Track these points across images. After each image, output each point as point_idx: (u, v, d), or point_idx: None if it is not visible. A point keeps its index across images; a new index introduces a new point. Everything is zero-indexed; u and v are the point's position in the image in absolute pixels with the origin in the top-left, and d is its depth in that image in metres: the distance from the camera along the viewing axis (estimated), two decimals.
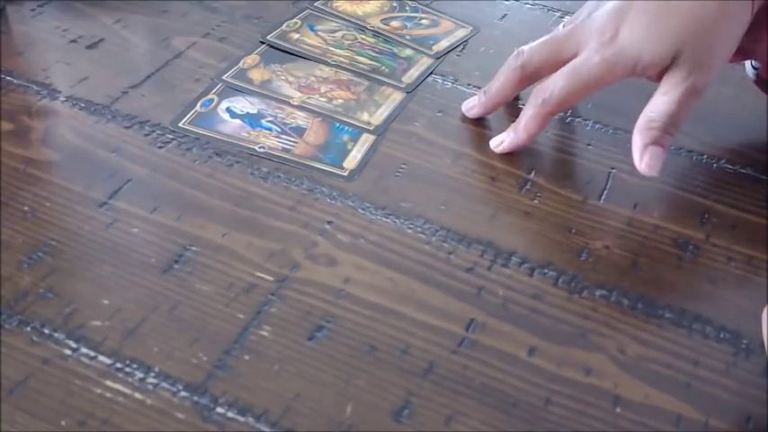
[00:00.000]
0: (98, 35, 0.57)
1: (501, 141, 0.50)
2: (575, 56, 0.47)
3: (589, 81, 0.47)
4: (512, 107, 0.54)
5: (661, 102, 0.46)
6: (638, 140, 0.46)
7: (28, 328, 0.38)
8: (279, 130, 0.51)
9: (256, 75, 0.55)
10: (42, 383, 0.36)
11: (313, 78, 0.55)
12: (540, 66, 0.49)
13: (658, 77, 0.47)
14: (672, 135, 0.46)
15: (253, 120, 0.51)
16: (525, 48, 0.49)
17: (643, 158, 0.46)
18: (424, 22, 0.62)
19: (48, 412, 0.35)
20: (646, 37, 0.45)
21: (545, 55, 0.49)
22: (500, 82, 0.50)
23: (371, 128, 0.51)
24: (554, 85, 0.47)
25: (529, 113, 0.48)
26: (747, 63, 0.53)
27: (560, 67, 0.48)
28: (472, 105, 0.52)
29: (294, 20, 0.60)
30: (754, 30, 0.47)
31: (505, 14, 0.64)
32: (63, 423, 0.35)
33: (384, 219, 0.45)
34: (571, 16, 0.54)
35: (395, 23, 0.61)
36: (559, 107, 0.48)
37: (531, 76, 0.50)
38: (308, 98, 0.53)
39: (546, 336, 0.40)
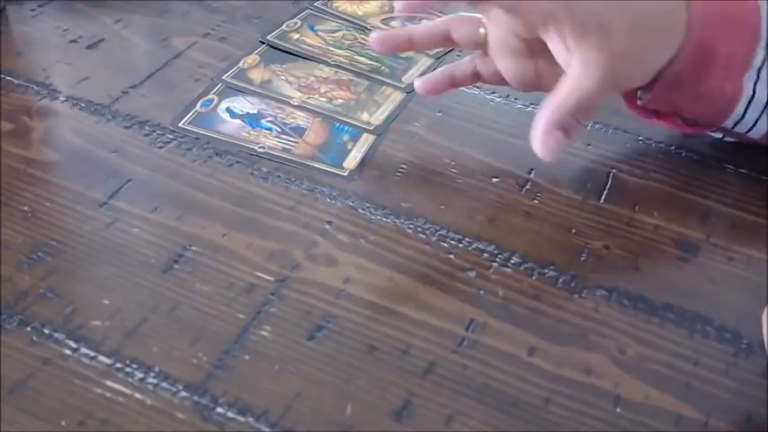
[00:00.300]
0: (98, 35, 0.57)
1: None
2: None
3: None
4: (515, 110, 0.54)
5: (571, 90, 0.42)
6: (541, 122, 0.42)
7: (28, 328, 0.38)
8: (279, 130, 0.51)
9: (256, 75, 0.55)
10: (42, 383, 0.36)
11: (313, 78, 0.55)
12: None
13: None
14: (581, 125, 0.43)
15: (253, 120, 0.51)
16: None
17: (545, 142, 0.42)
18: (423, 22, 0.62)
19: (48, 412, 0.35)
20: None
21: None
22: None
23: (371, 128, 0.51)
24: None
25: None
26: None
27: None
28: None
29: (294, 20, 0.60)
30: (692, 66, 0.44)
31: None
32: (63, 423, 0.35)
33: (384, 219, 0.45)
34: None
35: (395, 23, 0.61)
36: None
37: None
38: (308, 98, 0.53)
39: (546, 336, 0.40)
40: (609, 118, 0.53)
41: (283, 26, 0.60)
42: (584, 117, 0.43)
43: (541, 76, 0.47)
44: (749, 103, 0.46)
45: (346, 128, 0.51)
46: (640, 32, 0.42)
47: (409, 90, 0.55)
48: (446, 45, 0.52)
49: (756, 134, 0.48)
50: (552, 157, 0.42)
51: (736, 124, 0.47)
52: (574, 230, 0.46)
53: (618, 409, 0.37)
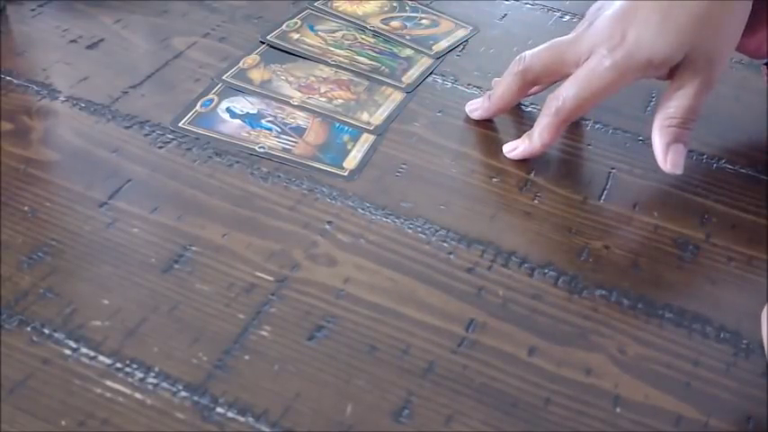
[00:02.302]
0: (98, 35, 0.57)
1: (515, 148, 0.50)
2: (578, 63, 0.47)
3: (601, 86, 0.46)
4: (516, 109, 0.54)
5: (677, 98, 0.46)
6: (658, 140, 0.46)
7: (28, 328, 0.38)
8: (279, 130, 0.51)
9: (256, 75, 0.55)
10: (42, 383, 0.36)
11: (313, 78, 0.55)
12: (542, 72, 0.49)
13: (669, 76, 0.47)
14: (690, 130, 0.46)
15: (253, 120, 0.51)
16: (527, 53, 0.49)
17: (667, 158, 0.46)
18: (423, 22, 0.62)
19: (48, 412, 0.35)
20: (656, 36, 0.45)
21: (546, 61, 0.49)
22: (502, 88, 0.50)
23: (371, 128, 0.51)
24: (566, 93, 0.47)
25: (543, 123, 0.48)
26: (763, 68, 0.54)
27: (562, 75, 0.48)
28: (476, 108, 0.52)
29: (294, 20, 0.60)
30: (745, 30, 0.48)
31: (505, 14, 0.64)
32: (63, 423, 0.35)
33: (384, 219, 0.45)
34: (577, 22, 0.54)
35: (395, 23, 0.61)
36: (573, 115, 0.48)
37: (533, 82, 0.50)
38: (308, 98, 0.53)
39: (546, 336, 0.40)
40: (609, 118, 0.53)
41: (283, 26, 0.60)
42: (694, 123, 0.46)
43: None
44: None
45: (346, 128, 0.51)
46: (723, 42, 0.47)
47: (409, 90, 0.55)
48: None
49: None
50: (678, 170, 0.46)
51: None
52: (574, 230, 0.46)
53: (618, 409, 0.37)
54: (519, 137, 0.52)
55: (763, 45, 0.49)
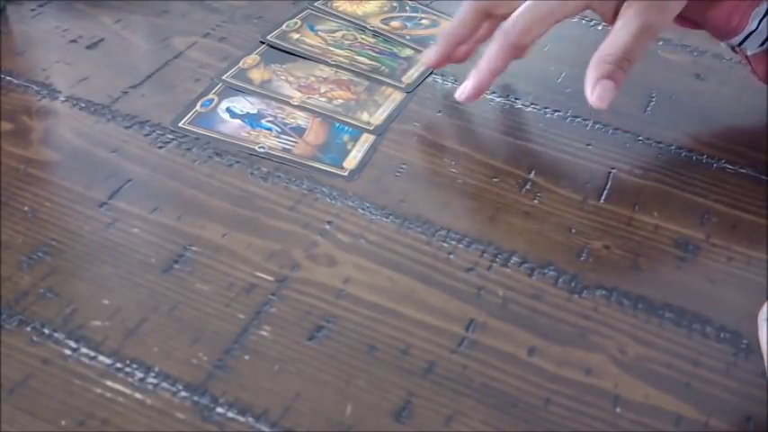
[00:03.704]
0: (98, 35, 0.57)
1: (464, 86, 0.50)
2: None
3: (549, 11, 0.47)
4: (515, 109, 0.54)
5: (617, 36, 0.46)
6: (591, 74, 0.46)
7: (28, 328, 0.38)
8: (279, 130, 0.51)
9: (256, 75, 0.55)
10: (42, 383, 0.36)
11: (313, 78, 0.55)
12: (530, 33, 0.49)
13: (613, 18, 0.47)
14: (625, 71, 0.46)
15: (253, 120, 0.51)
16: (515, 17, 0.49)
17: (594, 91, 0.46)
18: (424, 22, 0.62)
19: (48, 412, 0.35)
20: None
21: (534, 19, 0.49)
22: (459, 15, 0.50)
23: (371, 128, 0.51)
24: (515, 16, 0.48)
25: (491, 48, 0.49)
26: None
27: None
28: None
29: (294, 20, 0.60)
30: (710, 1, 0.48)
31: None
32: (63, 423, 0.35)
33: (384, 219, 0.45)
34: (577, 22, 0.54)
35: (395, 23, 0.61)
36: (522, 37, 0.48)
37: (488, 10, 0.50)
38: (308, 98, 0.53)
39: (546, 336, 0.40)
40: (609, 118, 0.53)
41: (283, 26, 0.60)
42: (627, 66, 0.46)
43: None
44: (748, 35, 0.49)
45: (346, 128, 0.51)
46: None
47: (409, 90, 0.55)
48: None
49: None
50: (604, 104, 0.46)
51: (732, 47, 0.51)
52: (574, 230, 0.46)
53: (618, 409, 0.37)
54: (519, 137, 0.52)
55: (732, 17, 0.48)
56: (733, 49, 0.54)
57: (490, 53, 0.49)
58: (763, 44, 0.50)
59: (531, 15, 0.47)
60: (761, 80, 0.53)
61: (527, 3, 0.48)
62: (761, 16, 0.48)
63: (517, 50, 0.49)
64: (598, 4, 0.47)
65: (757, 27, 0.49)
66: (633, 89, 0.56)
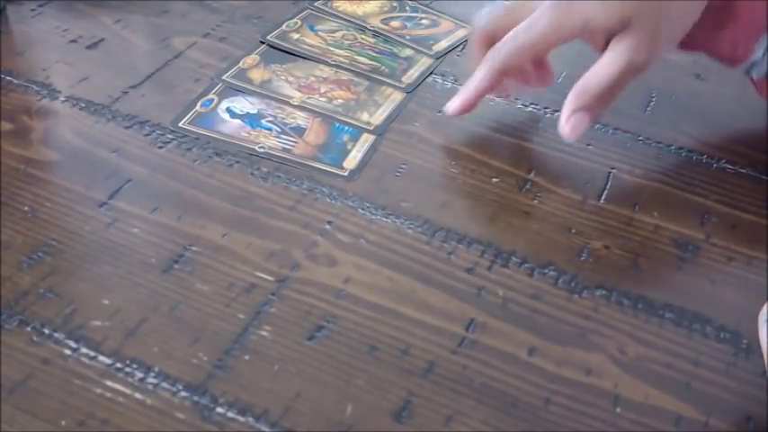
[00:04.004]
0: (98, 35, 0.57)
1: (453, 102, 0.51)
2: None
3: (538, 39, 0.47)
4: (515, 110, 0.54)
5: (602, 70, 0.46)
6: (569, 104, 0.46)
7: (28, 328, 0.38)
8: (279, 130, 0.51)
9: (256, 75, 0.55)
10: (42, 383, 0.36)
11: (313, 78, 0.55)
12: (498, 27, 0.49)
13: (604, 46, 0.46)
14: (605, 106, 0.46)
15: (253, 120, 0.51)
16: (506, 40, 0.49)
17: (569, 121, 0.46)
18: (423, 22, 0.62)
19: (48, 412, 0.35)
20: (597, 3, 0.45)
21: (503, 18, 0.49)
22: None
23: (371, 128, 0.51)
24: (505, 40, 0.48)
25: (480, 69, 0.49)
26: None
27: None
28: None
29: (294, 20, 0.60)
30: (713, 25, 0.47)
31: None
32: (63, 423, 0.35)
33: (384, 219, 0.45)
34: None
35: (395, 23, 0.61)
36: (508, 61, 0.48)
37: (491, 37, 0.50)
38: (308, 98, 0.53)
39: (546, 336, 0.40)
40: (609, 118, 0.53)
41: (283, 26, 0.60)
42: (608, 100, 0.46)
43: None
44: (754, 63, 0.49)
45: (346, 128, 0.51)
46: (666, 26, 0.46)
47: (409, 90, 0.55)
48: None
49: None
50: (575, 136, 0.46)
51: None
52: (574, 230, 0.46)
53: (618, 409, 0.37)
54: (519, 137, 0.52)
55: (737, 47, 0.48)
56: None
57: (477, 75, 0.49)
58: None
59: (517, 43, 0.48)
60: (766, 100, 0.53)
61: (517, 28, 0.48)
62: (765, 46, 0.48)
63: (504, 75, 0.49)
64: (588, 35, 0.47)
65: (763, 56, 0.48)
66: (633, 89, 0.56)
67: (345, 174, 0.48)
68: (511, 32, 0.48)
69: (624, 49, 0.45)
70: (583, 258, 0.44)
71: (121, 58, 0.55)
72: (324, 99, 0.53)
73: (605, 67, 0.46)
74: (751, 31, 0.47)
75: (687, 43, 0.48)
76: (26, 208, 0.44)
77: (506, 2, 0.50)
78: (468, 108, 0.51)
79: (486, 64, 0.49)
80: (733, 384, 0.39)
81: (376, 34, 0.60)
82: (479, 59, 0.50)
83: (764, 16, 0.47)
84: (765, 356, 0.37)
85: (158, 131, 0.50)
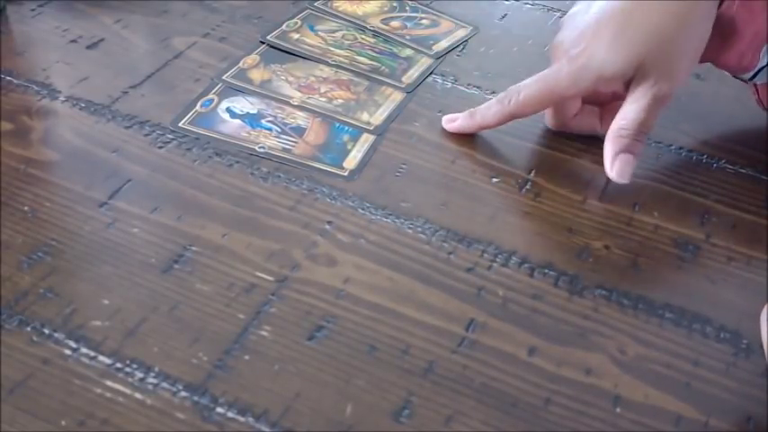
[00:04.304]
0: (98, 35, 0.57)
1: (454, 120, 0.51)
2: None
3: (554, 90, 0.48)
4: None
5: (630, 110, 0.47)
6: (609, 149, 0.47)
7: (28, 328, 0.38)
8: (279, 130, 0.51)
9: (256, 75, 0.55)
10: (42, 383, 0.36)
11: (313, 78, 0.55)
12: (532, 110, 0.50)
13: (625, 90, 0.48)
14: (642, 142, 0.47)
15: (253, 120, 0.51)
16: (521, 86, 0.49)
17: (614, 166, 0.47)
18: (424, 22, 0.62)
19: (48, 412, 0.35)
20: (608, 52, 0.46)
21: (537, 97, 0.49)
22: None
23: (371, 128, 0.51)
24: (525, 87, 0.49)
25: (492, 106, 0.50)
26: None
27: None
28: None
29: (294, 20, 0.60)
30: (719, 40, 0.48)
31: (505, 14, 0.64)
32: (63, 423, 0.35)
33: (384, 219, 0.45)
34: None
35: (395, 23, 0.61)
36: (523, 109, 0.49)
37: (517, 114, 0.50)
38: (308, 98, 0.53)
39: (546, 336, 0.40)
40: None
41: (283, 26, 0.60)
42: (644, 135, 0.47)
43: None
44: (759, 70, 0.50)
45: (346, 128, 0.51)
46: (679, 57, 0.47)
47: (409, 90, 0.55)
48: None
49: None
50: (625, 179, 0.47)
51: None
52: (574, 230, 0.46)
53: (618, 409, 0.37)
54: (519, 137, 0.52)
55: (743, 58, 0.49)
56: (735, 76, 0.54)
57: (488, 109, 0.50)
58: None
59: (536, 93, 0.49)
60: (764, 108, 0.53)
61: (537, 77, 0.49)
62: None
63: (514, 118, 0.50)
64: (604, 86, 0.48)
65: (767, 63, 0.49)
66: None
67: (345, 174, 0.48)
68: (531, 80, 0.49)
69: (645, 88, 0.46)
70: (583, 258, 0.44)
71: (121, 58, 0.55)
72: (324, 99, 0.53)
73: (632, 105, 0.47)
74: (756, 41, 0.48)
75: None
76: (26, 208, 0.44)
77: (537, 78, 0.50)
78: (465, 132, 0.51)
79: (500, 103, 0.49)
80: (733, 384, 0.39)
81: (376, 34, 0.60)
82: (494, 123, 0.50)
83: (766, 26, 0.48)
84: (767, 355, 0.37)
85: (158, 131, 0.50)
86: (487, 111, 0.50)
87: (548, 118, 0.52)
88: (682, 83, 0.48)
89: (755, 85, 0.52)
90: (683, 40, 0.47)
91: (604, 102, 0.51)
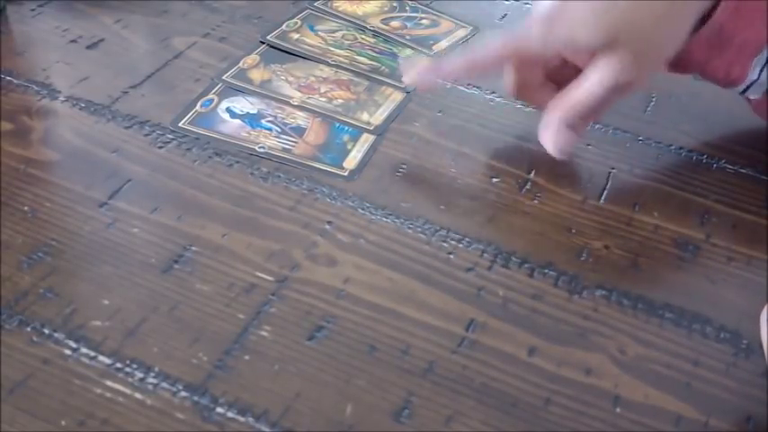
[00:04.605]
0: (98, 35, 0.57)
1: (416, 72, 0.50)
2: None
3: (520, 44, 0.47)
4: (516, 109, 0.54)
5: (589, 89, 0.45)
6: (552, 117, 0.46)
7: (28, 328, 0.38)
8: (279, 130, 0.51)
9: (256, 75, 0.55)
10: (42, 383, 0.36)
11: (313, 78, 0.55)
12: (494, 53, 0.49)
13: (586, 62, 0.46)
14: (586, 125, 0.47)
15: (253, 120, 0.51)
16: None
17: (555, 140, 0.47)
18: (424, 22, 0.62)
19: (48, 412, 0.35)
20: (585, 21, 0.45)
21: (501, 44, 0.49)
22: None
23: (371, 128, 0.51)
24: (489, 38, 0.48)
25: (462, 57, 0.49)
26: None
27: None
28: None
29: (294, 20, 0.60)
30: (706, 49, 0.47)
31: (505, 14, 0.64)
32: (63, 423, 0.35)
33: (384, 219, 0.45)
34: None
35: (395, 23, 0.61)
36: (483, 54, 0.49)
37: (482, 61, 0.50)
38: (308, 98, 0.53)
39: (546, 336, 0.40)
40: (609, 118, 0.53)
41: (283, 26, 0.60)
42: (593, 118, 0.47)
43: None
44: (750, 84, 0.48)
45: (346, 128, 0.51)
46: (651, 50, 0.46)
47: (409, 90, 0.55)
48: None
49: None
50: (563, 154, 0.47)
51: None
52: (574, 230, 0.46)
53: (618, 409, 0.37)
54: (519, 137, 0.52)
55: (732, 69, 0.48)
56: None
57: (458, 61, 0.49)
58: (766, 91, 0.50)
59: (499, 42, 0.48)
60: (763, 118, 0.52)
61: (507, 33, 0.48)
62: (762, 65, 0.47)
63: (477, 69, 0.50)
64: (571, 54, 0.47)
65: (758, 77, 0.48)
66: None
67: (345, 174, 0.48)
68: (499, 34, 0.48)
69: (610, 69, 0.45)
70: (583, 258, 0.44)
71: (121, 58, 0.55)
72: (324, 99, 0.53)
73: (592, 86, 0.45)
74: (744, 53, 0.47)
75: (681, 66, 0.48)
76: (26, 208, 0.44)
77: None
78: (427, 81, 0.51)
79: (466, 55, 0.49)
80: (733, 384, 0.39)
81: (376, 34, 0.60)
82: (489, 65, 0.50)
83: (756, 38, 0.46)
84: (767, 356, 0.37)
85: (158, 131, 0.50)
86: (456, 58, 0.50)
87: (506, 81, 0.50)
88: (645, 80, 0.46)
89: (749, 98, 0.51)
90: (661, 32, 0.45)
91: (564, 82, 0.49)
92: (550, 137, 0.47)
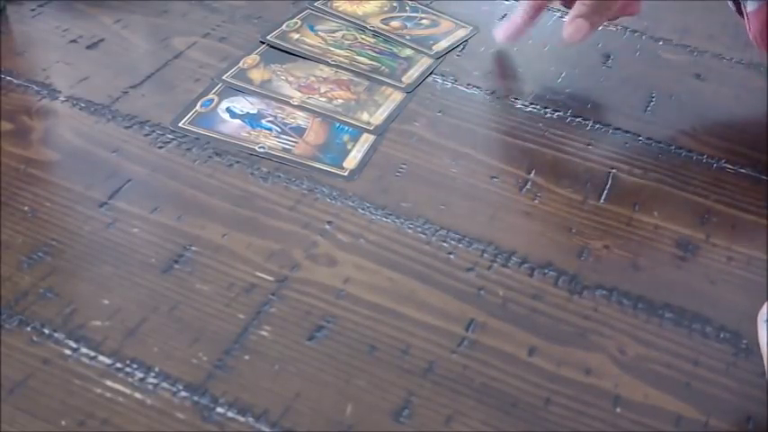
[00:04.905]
0: (98, 35, 0.57)
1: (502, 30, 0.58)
2: None
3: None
4: (515, 110, 0.54)
5: None
6: (572, 11, 0.53)
7: (28, 328, 0.38)
8: (279, 130, 0.51)
9: (256, 75, 0.55)
10: (42, 383, 0.36)
11: (313, 78, 0.55)
12: None
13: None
14: (600, 16, 0.52)
15: (253, 120, 0.51)
16: None
17: (568, 27, 0.52)
18: (424, 22, 0.62)
19: (48, 412, 0.35)
20: None
21: None
22: (521, 10, 0.56)
23: (371, 128, 0.51)
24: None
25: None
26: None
27: None
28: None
29: (294, 20, 0.60)
30: None
31: (505, 14, 0.64)
32: (63, 423, 0.35)
33: (384, 219, 0.45)
34: None
35: (395, 23, 0.61)
36: None
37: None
38: (308, 98, 0.53)
39: (546, 336, 0.40)
40: (609, 118, 0.53)
41: (283, 26, 0.60)
42: (604, 11, 0.53)
43: None
44: None
45: (346, 128, 0.51)
46: None
47: (409, 90, 0.55)
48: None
49: None
50: (573, 40, 0.52)
51: None
52: (574, 230, 0.46)
53: (618, 409, 0.37)
54: (519, 137, 0.52)
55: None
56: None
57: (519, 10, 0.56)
58: None
59: None
60: (752, 38, 0.52)
61: None
62: None
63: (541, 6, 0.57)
64: None
65: None
66: (633, 89, 0.56)
67: (345, 174, 0.48)
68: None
69: None
70: (583, 258, 0.44)
71: (121, 58, 0.55)
72: (324, 99, 0.53)
73: None
74: None
75: None
76: (26, 208, 0.44)
77: None
78: (515, 35, 0.57)
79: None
80: (733, 384, 0.39)
81: (376, 34, 0.60)
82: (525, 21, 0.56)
83: None
84: (765, 357, 0.37)
85: (158, 131, 0.50)
86: (519, 10, 0.56)
87: None
88: None
89: (747, 13, 0.51)
90: None
91: None
92: (567, 28, 0.52)
